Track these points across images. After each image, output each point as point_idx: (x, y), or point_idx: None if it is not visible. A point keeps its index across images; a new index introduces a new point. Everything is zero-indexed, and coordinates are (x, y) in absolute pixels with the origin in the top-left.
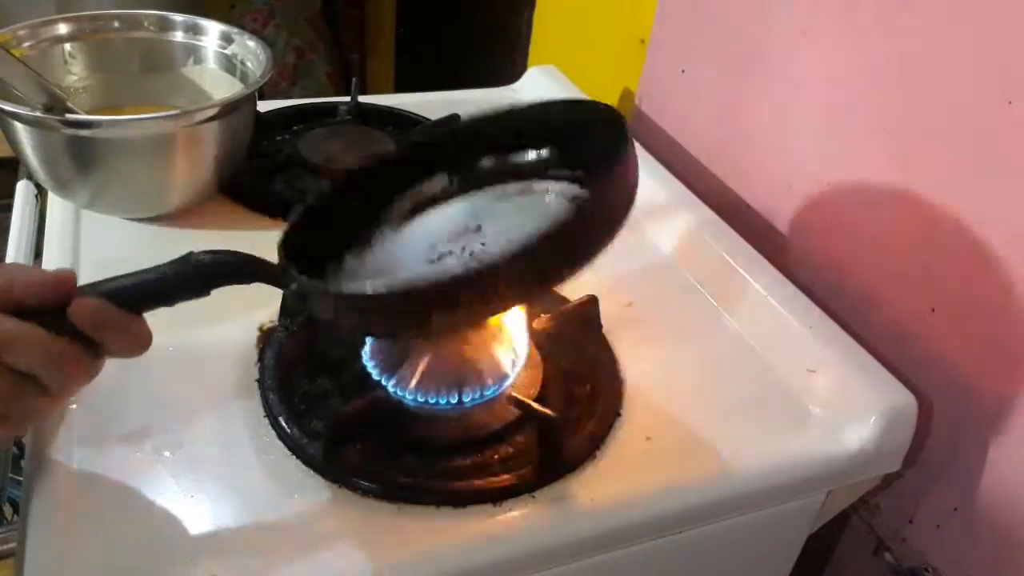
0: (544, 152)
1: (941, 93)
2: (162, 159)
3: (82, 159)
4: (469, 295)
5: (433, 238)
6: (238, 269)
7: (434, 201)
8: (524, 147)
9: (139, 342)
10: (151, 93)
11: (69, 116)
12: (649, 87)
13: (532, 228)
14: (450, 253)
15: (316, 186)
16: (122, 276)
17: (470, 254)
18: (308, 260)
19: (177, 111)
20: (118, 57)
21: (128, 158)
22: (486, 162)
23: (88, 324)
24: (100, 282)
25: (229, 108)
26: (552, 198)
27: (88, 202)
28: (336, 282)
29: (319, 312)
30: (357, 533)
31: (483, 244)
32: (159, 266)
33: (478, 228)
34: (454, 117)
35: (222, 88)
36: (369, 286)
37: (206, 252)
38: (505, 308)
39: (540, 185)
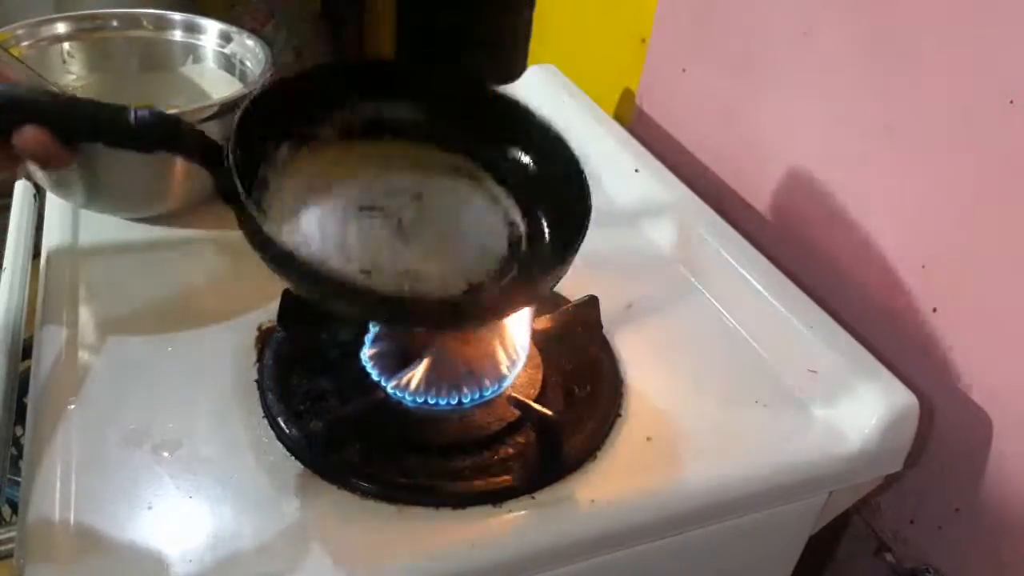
0: (523, 164)
1: (942, 92)
2: (160, 159)
3: (80, 159)
4: (367, 309)
5: (376, 176)
6: (185, 141)
7: (396, 131)
8: (511, 146)
9: (61, 164)
10: (150, 92)
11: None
12: (650, 86)
13: (460, 245)
14: (381, 210)
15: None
16: (79, 103)
17: (397, 222)
18: (257, 136)
19: (176, 110)
20: (117, 56)
21: (126, 158)
22: (467, 128)
23: (27, 153)
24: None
25: (228, 107)
26: (495, 216)
27: (86, 202)
28: (270, 173)
29: (241, 226)
30: (356, 534)
31: (413, 220)
32: (116, 107)
33: (419, 196)
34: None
35: (221, 87)
36: (291, 244)
37: (163, 114)
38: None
39: (494, 188)
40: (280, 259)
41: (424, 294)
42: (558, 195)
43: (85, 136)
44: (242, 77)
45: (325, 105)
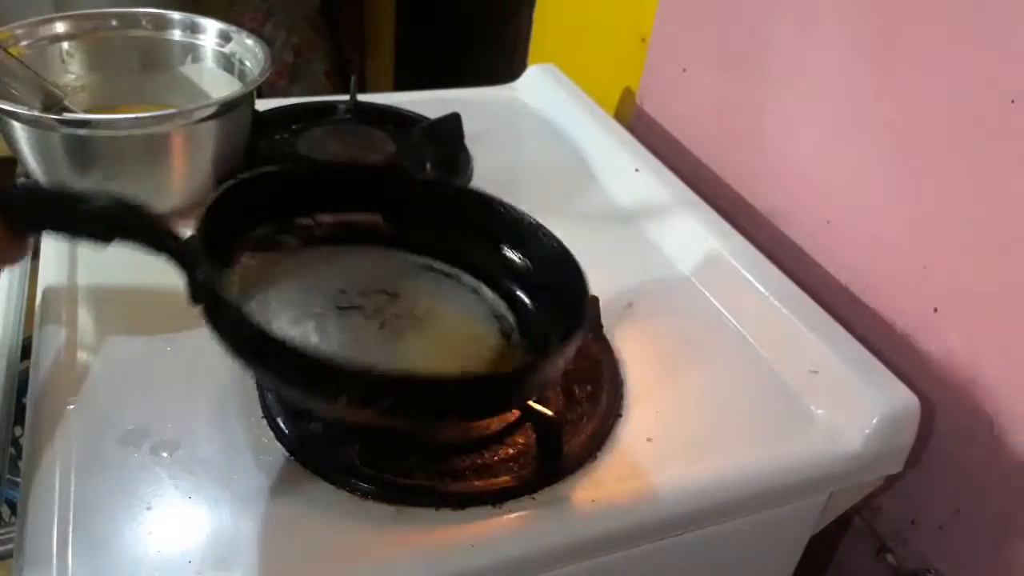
0: (505, 257)
1: (943, 91)
2: (160, 158)
3: (79, 158)
4: (355, 395)
5: (348, 280)
6: (147, 233)
7: (362, 237)
8: (487, 242)
9: (12, 259)
10: (149, 92)
11: (66, 115)
12: (650, 86)
13: (451, 337)
14: (359, 308)
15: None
16: (37, 192)
17: (381, 320)
18: (226, 230)
19: (175, 110)
20: (116, 56)
21: (125, 157)
22: (434, 228)
23: None
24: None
25: (227, 107)
26: (480, 308)
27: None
28: (232, 285)
29: (213, 321)
30: (356, 535)
31: (397, 316)
32: (83, 196)
33: (395, 295)
34: (455, 116)
35: (220, 87)
36: (275, 327)
37: (130, 206)
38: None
39: (472, 282)
40: (276, 353)
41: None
42: (546, 281)
43: (39, 228)
44: (241, 77)
45: (285, 213)
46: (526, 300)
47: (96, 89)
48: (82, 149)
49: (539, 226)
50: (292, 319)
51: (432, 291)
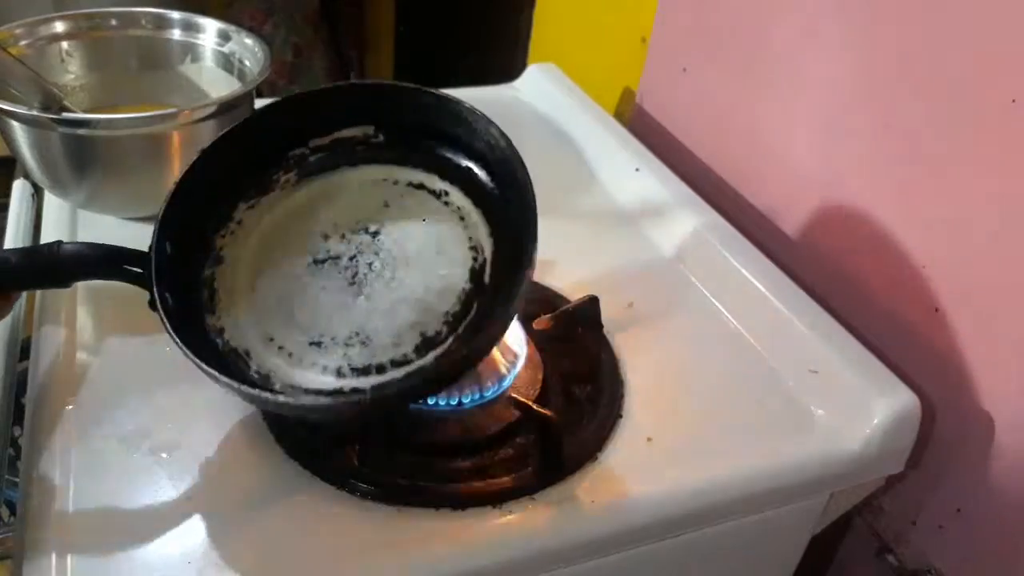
0: (476, 173)
1: (943, 92)
2: (159, 158)
3: (78, 158)
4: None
5: (335, 217)
6: (99, 265)
7: (356, 157)
8: (463, 152)
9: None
10: (148, 91)
11: (65, 115)
12: (650, 86)
13: (416, 290)
14: (335, 260)
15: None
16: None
17: (351, 275)
18: (199, 208)
19: (174, 110)
20: (115, 55)
21: (125, 157)
22: (422, 140)
23: None
24: None
25: (226, 107)
26: (458, 242)
27: (84, 201)
28: (226, 242)
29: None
30: (356, 535)
31: (370, 266)
32: (25, 250)
33: (375, 234)
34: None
35: (220, 86)
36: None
37: (73, 244)
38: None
39: (460, 200)
40: (218, 382)
41: (364, 391)
42: (512, 208)
43: (11, 288)
44: (241, 76)
45: (278, 149)
46: (503, 227)
47: (95, 89)
48: (81, 149)
49: (503, 139)
50: (272, 288)
51: (412, 221)
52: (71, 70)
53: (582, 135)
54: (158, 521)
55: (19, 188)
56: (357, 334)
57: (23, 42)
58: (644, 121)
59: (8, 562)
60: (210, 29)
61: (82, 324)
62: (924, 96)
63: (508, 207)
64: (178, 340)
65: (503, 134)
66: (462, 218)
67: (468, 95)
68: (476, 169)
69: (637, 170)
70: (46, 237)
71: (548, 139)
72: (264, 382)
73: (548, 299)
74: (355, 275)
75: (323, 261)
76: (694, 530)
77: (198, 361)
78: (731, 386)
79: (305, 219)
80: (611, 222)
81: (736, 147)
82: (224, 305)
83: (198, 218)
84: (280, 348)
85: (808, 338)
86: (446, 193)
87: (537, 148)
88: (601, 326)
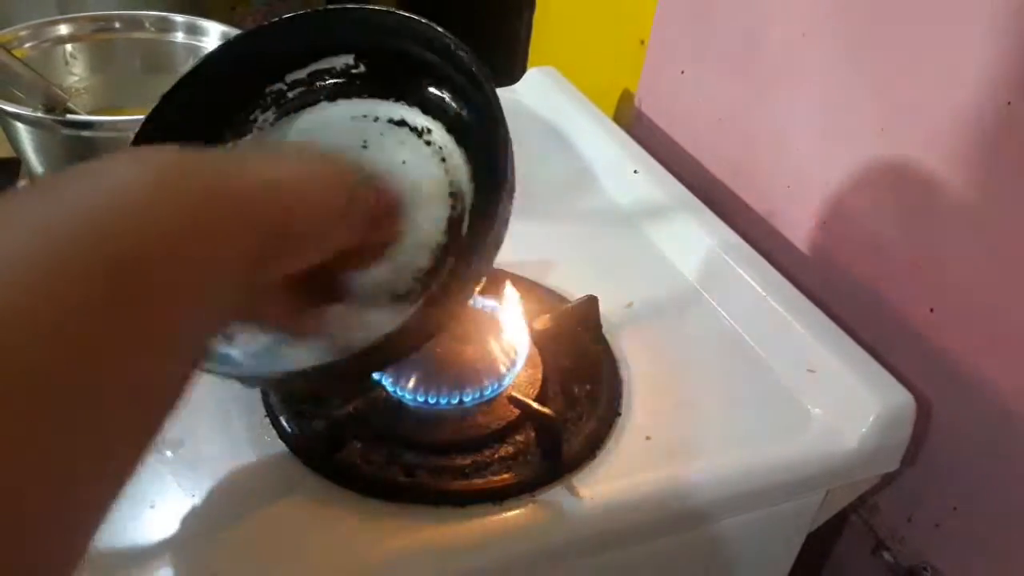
0: (456, 109)
1: (939, 94)
2: None
3: (82, 159)
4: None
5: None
6: None
7: (336, 91)
8: (442, 86)
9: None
10: (152, 94)
11: (70, 116)
12: (649, 88)
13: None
14: None
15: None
16: None
17: None
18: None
19: None
20: (119, 58)
21: None
22: (404, 70)
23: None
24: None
25: None
26: (436, 187)
27: None
28: None
29: None
30: (358, 532)
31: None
32: None
33: (364, 144)
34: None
35: None
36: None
37: None
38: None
39: (442, 138)
40: None
41: (327, 360)
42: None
43: None
44: None
45: (253, 87)
46: (484, 171)
47: (100, 91)
48: (85, 150)
49: (479, 77)
50: None
51: (394, 164)
52: (75, 72)
53: (582, 137)
54: (161, 519)
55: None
56: None
57: (27, 44)
58: (643, 123)
59: None
60: (213, 32)
61: None
62: (920, 98)
63: (487, 142)
64: None
65: (472, 56)
66: (443, 159)
67: None
68: (454, 103)
69: (636, 172)
70: None
71: (548, 141)
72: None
73: (548, 299)
74: None
75: None
76: (692, 528)
77: None
78: (729, 385)
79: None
80: (610, 223)
81: (734, 149)
82: None
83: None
84: None
85: (805, 338)
86: (428, 131)
87: (537, 150)
88: (600, 326)
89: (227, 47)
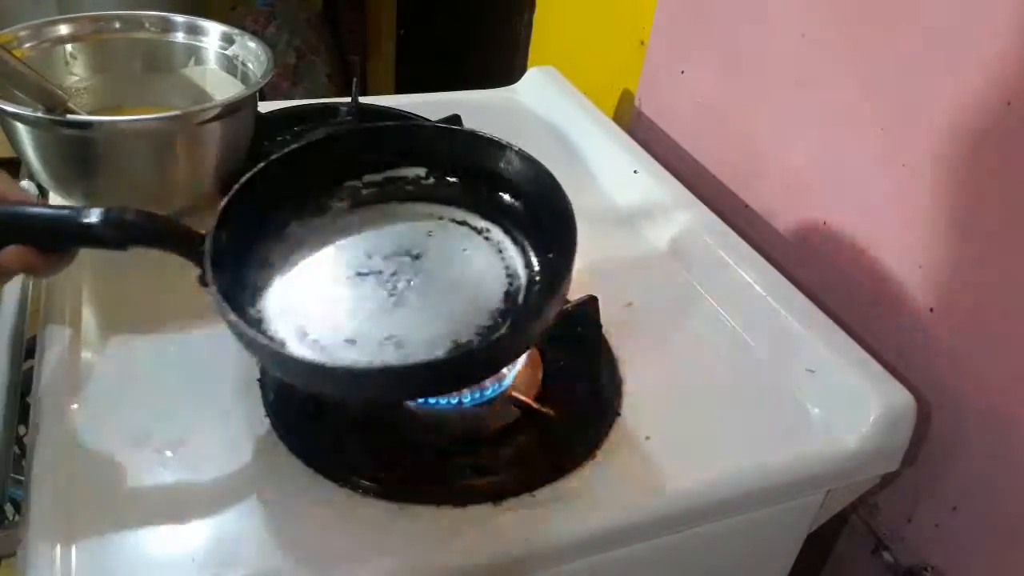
0: (517, 208)
1: (939, 93)
2: (162, 160)
3: (82, 159)
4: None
5: (379, 241)
6: (157, 235)
7: (406, 194)
8: (505, 192)
9: (49, 272)
10: (152, 94)
11: (69, 117)
12: (649, 88)
13: (452, 304)
14: (378, 274)
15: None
16: (48, 210)
17: (391, 287)
18: (256, 219)
19: (178, 112)
20: (119, 58)
21: (128, 159)
22: (467, 180)
23: (14, 270)
24: (18, 211)
25: (230, 109)
26: (495, 269)
27: (89, 202)
28: (275, 249)
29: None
30: (358, 532)
31: (409, 282)
32: (86, 211)
33: (417, 256)
34: (455, 118)
35: (223, 89)
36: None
37: (138, 211)
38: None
39: (499, 236)
40: (253, 346)
41: (395, 363)
42: (549, 237)
43: (66, 245)
44: (244, 79)
45: (335, 177)
46: (536, 261)
47: (100, 91)
48: (85, 151)
49: (546, 175)
50: (314, 290)
51: (453, 251)
52: (75, 72)
53: (581, 137)
54: (162, 519)
55: (24, 189)
56: (391, 337)
57: (27, 44)
58: (643, 123)
59: (13, 560)
60: (213, 32)
61: (87, 323)
62: (920, 98)
63: (545, 238)
64: (226, 305)
65: (548, 172)
66: (500, 251)
67: (469, 98)
68: (517, 205)
69: (636, 172)
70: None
71: (548, 141)
72: None
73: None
74: (394, 288)
75: (365, 274)
76: (692, 527)
77: (240, 322)
78: (729, 385)
79: (352, 239)
80: (610, 223)
81: (734, 149)
82: (263, 301)
83: (252, 222)
84: (314, 341)
85: (805, 338)
86: (487, 230)
87: (537, 150)
88: (600, 326)
89: (320, 143)
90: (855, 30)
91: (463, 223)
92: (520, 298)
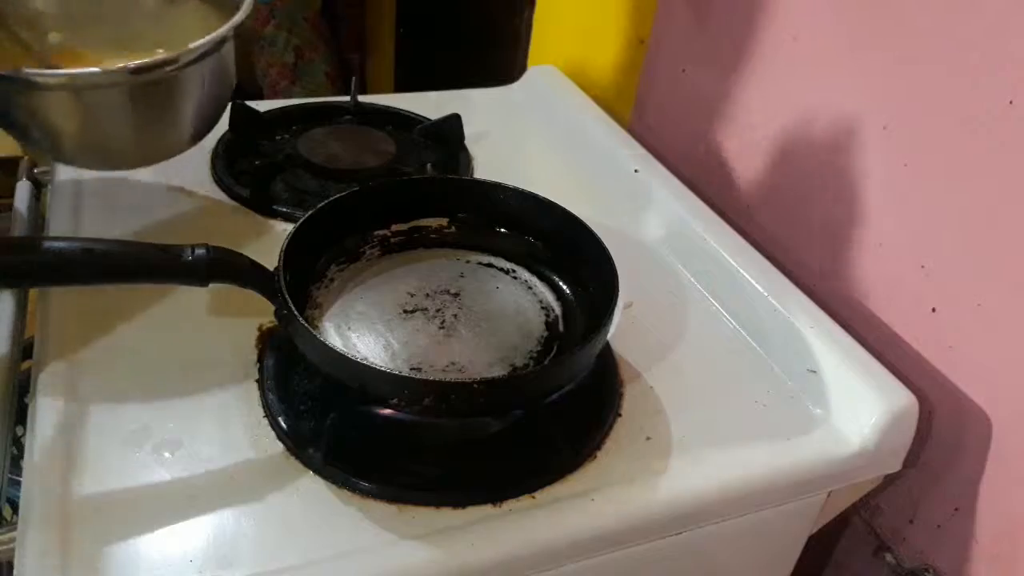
0: (542, 249)
1: (941, 93)
2: (133, 110)
3: (48, 116)
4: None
5: (416, 283)
6: (239, 274)
7: (432, 242)
8: (531, 235)
9: None
10: (126, 33)
11: (29, 71)
12: (649, 87)
13: (500, 334)
14: (424, 311)
15: (317, 188)
16: (130, 243)
17: (440, 321)
18: (303, 263)
19: (148, 59)
20: None
21: (108, 110)
22: (491, 227)
23: None
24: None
25: (209, 51)
26: (530, 303)
27: (67, 157)
28: (320, 291)
29: (295, 339)
30: (358, 533)
31: (455, 316)
32: (171, 248)
33: (456, 294)
34: (455, 117)
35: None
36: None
37: (217, 249)
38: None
39: (525, 275)
40: (341, 364)
41: (473, 377)
42: (582, 271)
43: (143, 280)
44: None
45: (366, 227)
46: (569, 292)
47: (69, 26)
48: (61, 105)
49: (571, 218)
50: (367, 325)
51: (488, 289)
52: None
53: (582, 136)
54: (160, 520)
55: (22, 189)
56: (454, 363)
57: None
58: (643, 122)
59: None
60: None
61: (85, 324)
62: (922, 97)
63: (574, 272)
64: (308, 328)
65: (574, 216)
66: (530, 287)
67: (469, 97)
68: (539, 245)
69: (636, 171)
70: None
71: (548, 140)
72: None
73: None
74: (443, 322)
75: (412, 311)
76: (693, 528)
77: (342, 349)
78: (730, 386)
79: (391, 282)
80: (610, 223)
81: (735, 148)
82: (323, 337)
83: (301, 265)
84: None
85: (807, 338)
86: (514, 271)
87: (537, 149)
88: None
89: (356, 194)
90: (856, 29)
91: (489, 265)
92: (560, 326)
